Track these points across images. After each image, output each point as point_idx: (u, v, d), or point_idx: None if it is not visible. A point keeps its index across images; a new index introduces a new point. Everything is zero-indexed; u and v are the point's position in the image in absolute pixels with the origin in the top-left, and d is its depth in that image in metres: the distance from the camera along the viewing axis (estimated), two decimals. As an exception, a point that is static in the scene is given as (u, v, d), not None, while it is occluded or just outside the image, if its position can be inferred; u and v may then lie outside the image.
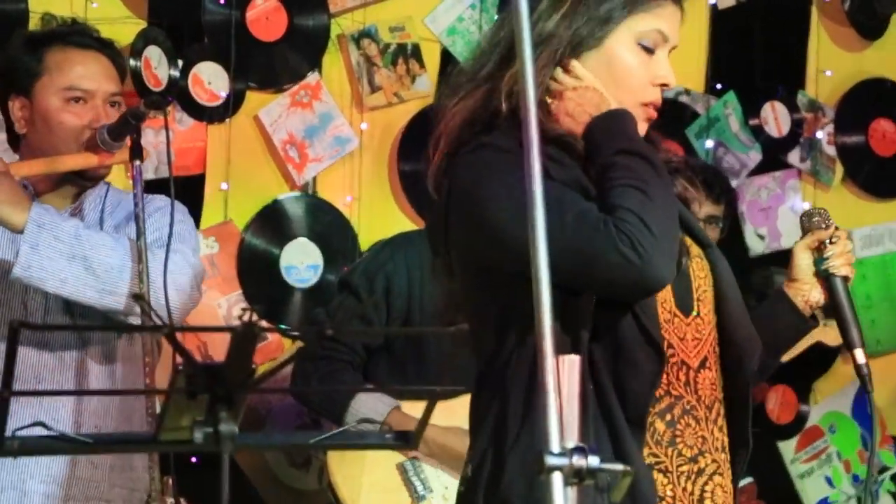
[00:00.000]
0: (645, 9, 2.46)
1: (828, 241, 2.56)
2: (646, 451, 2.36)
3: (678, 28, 2.50)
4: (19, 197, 3.02)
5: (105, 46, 3.27)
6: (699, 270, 2.47)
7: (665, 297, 2.40)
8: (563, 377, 1.81)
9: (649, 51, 2.46)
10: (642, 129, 2.46)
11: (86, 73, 3.21)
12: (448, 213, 2.42)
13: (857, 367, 2.53)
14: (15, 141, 3.29)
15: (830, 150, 5.32)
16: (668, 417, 2.39)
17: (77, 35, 3.26)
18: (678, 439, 2.39)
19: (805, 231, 2.58)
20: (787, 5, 5.28)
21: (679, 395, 2.40)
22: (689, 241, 2.48)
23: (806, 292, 2.58)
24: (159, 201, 3.22)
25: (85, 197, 3.26)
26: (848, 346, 2.54)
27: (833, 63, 5.33)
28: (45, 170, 3.20)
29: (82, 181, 3.25)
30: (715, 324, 2.48)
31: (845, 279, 2.56)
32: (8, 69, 3.28)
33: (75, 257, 2.99)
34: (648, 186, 2.30)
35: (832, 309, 2.55)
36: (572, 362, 1.87)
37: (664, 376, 2.37)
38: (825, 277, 2.56)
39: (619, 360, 2.32)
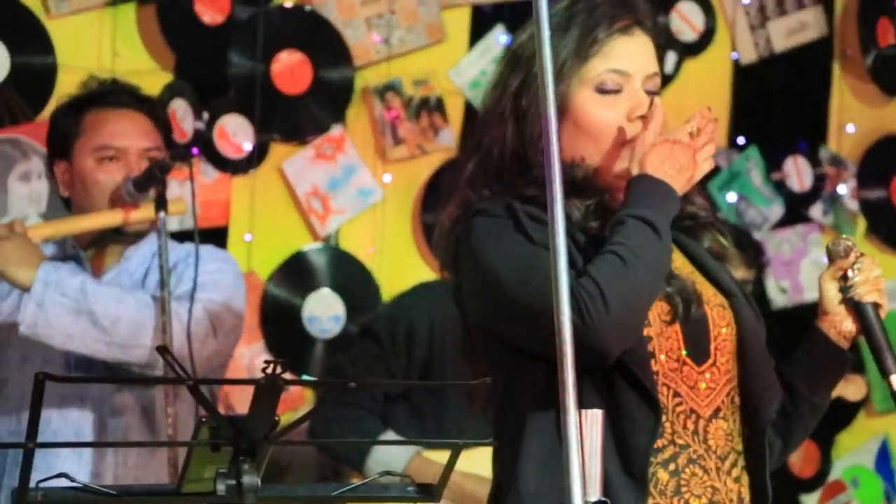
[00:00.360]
0: (594, 53, 2.40)
1: (852, 268, 2.48)
2: (650, 502, 2.35)
3: (645, 51, 2.43)
4: (28, 256, 3.05)
5: (142, 103, 3.30)
6: (720, 319, 2.45)
7: (671, 346, 2.39)
8: (585, 431, 1.82)
9: (615, 92, 2.42)
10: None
11: (118, 131, 3.24)
12: (460, 283, 2.44)
13: (894, 395, 2.44)
14: (67, 204, 3.35)
15: (853, 205, 5.32)
16: (672, 467, 2.37)
17: (113, 94, 3.30)
18: (684, 489, 2.38)
19: (830, 262, 2.51)
20: (810, 61, 5.30)
21: (685, 443, 2.38)
22: (711, 289, 2.47)
23: (838, 323, 2.49)
24: (205, 251, 3.23)
25: (132, 253, 3.28)
26: (883, 373, 2.45)
27: (855, 118, 5.34)
28: (67, 230, 3.23)
29: (123, 237, 3.27)
30: (736, 373, 2.46)
31: (875, 306, 2.47)
32: (52, 134, 3.34)
33: (81, 312, 3.01)
34: (635, 257, 2.29)
35: (864, 336, 2.48)
36: (594, 416, 1.88)
37: (668, 425, 2.36)
38: (854, 305, 2.48)
39: (616, 416, 2.31)
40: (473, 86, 4.85)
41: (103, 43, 4.33)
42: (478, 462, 3.16)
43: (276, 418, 1.84)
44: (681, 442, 2.38)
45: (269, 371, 1.74)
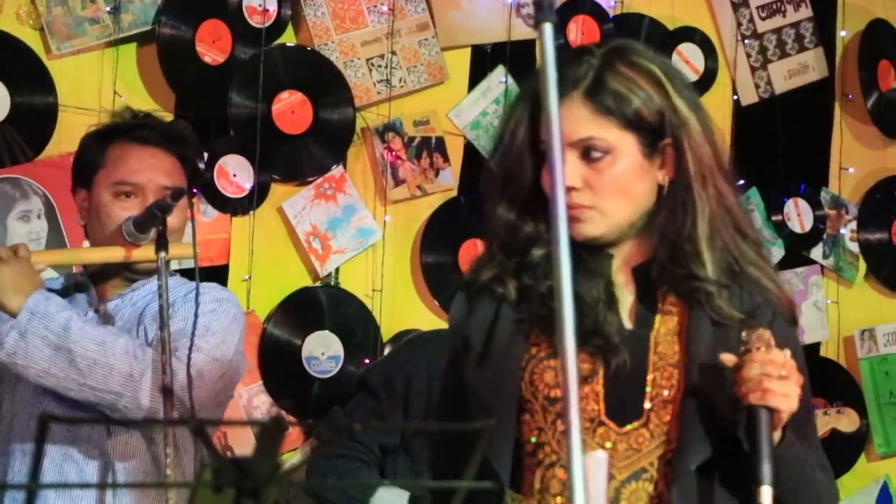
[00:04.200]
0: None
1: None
2: None
3: (572, 119, 2.34)
4: (22, 283, 3.04)
5: (169, 141, 3.28)
6: (665, 380, 2.35)
7: (584, 406, 2.32)
8: (589, 475, 1.80)
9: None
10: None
11: (137, 167, 3.23)
12: None
13: None
14: (86, 231, 3.35)
15: (853, 247, 5.32)
16: None
17: (140, 129, 3.28)
18: None
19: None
20: (810, 103, 5.31)
21: None
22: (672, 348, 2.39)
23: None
24: (204, 288, 3.19)
25: (139, 285, 3.27)
26: (754, 481, 2.22)
27: (856, 160, 5.35)
28: (68, 260, 3.23)
29: (130, 273, 3.26)
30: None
31: (769, 410, 2.23)
32: (77, 161, 3.33)
33: (60, 349, 3.00)
34: None
35: (746, 437, 2.26)
36: (599, 460, 1.87)
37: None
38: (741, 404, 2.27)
39: None
40: (474, 126, 4.85)
41: (104, 83, 4.34)
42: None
43: (280, 459, 1.82)
44: None
45: (273, 412, 1.72)
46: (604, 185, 2.36)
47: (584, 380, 2.34)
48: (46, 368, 2.98)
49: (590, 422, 2.34)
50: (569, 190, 2.32)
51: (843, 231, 5.30)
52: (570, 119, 2.33)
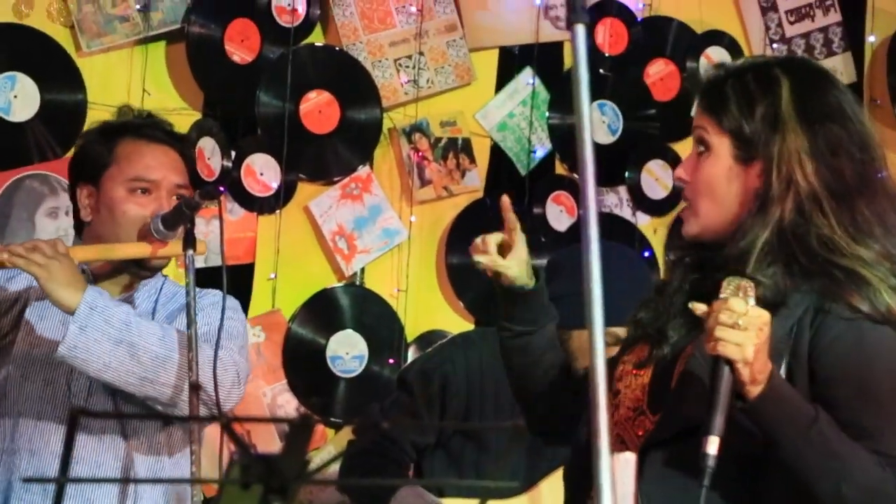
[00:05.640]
0: None
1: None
2: None
3: (695, 119, 2.49)
4: (76, 279, 3.05)
5: (175, 140, 3.31)
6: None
7: (633, 397, 2.41)
8: (618, 475, 1.80)
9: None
10: None
11: (153, 164, 3.24)
12: None
13: (702, 456, 2.20)
14: (79, 227, 3.33)
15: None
16: None
17: (149, 128, 3.30)
18: None
19: None
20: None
21: None
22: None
23: None
24: (213, 296, 3.23)
25: (140, 286, 3.28)
26: (704, 430, 2.21)
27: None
28: (100, 256, 3.23)
29: (140, 270, 3.27)
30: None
31: (728, 362, 2.22)
32: (81, 157, 3.33)
33: (122, 343, 3.00)
34: None
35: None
36: (627, 461, 1.87)
37: None
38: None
39: None
40: (500, 128, 4.85)
41: (133, 81, 4.35)
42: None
43: (307, 457, 1.83)
44: None
45: (302, 411, 1.73)
46: (698, 182, 2.46)
47: (637, 369, 2.41)
48: (108, 363, 2.99)
49: (633, 412, 2.40)
50: (682, 183, 2.47)
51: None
52: (695, 113, 2.48)
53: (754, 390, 2.24)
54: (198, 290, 3.26)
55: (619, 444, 2.37)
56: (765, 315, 2.23)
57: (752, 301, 2.24)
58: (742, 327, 2.21)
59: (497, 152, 4.85)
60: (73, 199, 3.31)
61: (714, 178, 2.44)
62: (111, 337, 2.99)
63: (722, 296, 2.24)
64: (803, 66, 2.52)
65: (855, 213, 2.39)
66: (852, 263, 2.36)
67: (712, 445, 2.19)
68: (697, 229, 2.47)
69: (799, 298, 2.35)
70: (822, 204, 2.38)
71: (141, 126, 3.30)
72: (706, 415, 2.21)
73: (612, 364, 2.46)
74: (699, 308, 2.27)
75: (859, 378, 2.32)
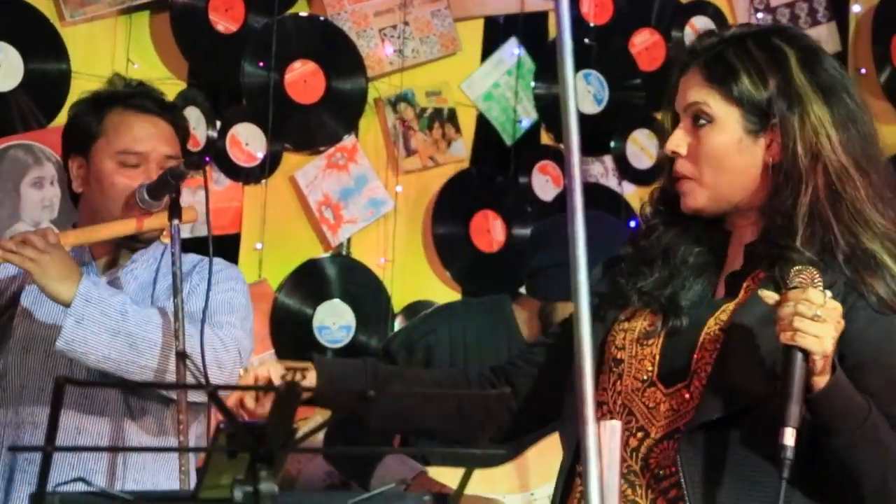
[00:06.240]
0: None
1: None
2: None
3: (688, 85, 2.44)
4: (69, 271, 3.02)
5: (166, 110, 3.28)
6: (710, 343, 2.37)
7: (641, 367, 2.40)
8: (604, 442, 1.81)
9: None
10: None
11: (141, 136, 3.22)
12: None
13: (781, 447, 2.18)
14: (75, 198, 3.33)
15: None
16: None
17: (138, 98, 3.27)
18: None
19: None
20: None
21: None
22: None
23: None
24: (216, 265, 3.20)
25: (139, 257, 3.27)
26: (782, 421, 2.19)
27: (868, 134, 5.34)
28: (89, 239, 3.21)
29: (133, 243, 3.26)
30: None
31: (799, 350, 2.20)
32: (71, 128, 3.31)
33: (119, 333, 2.99)
34: None
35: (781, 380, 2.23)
36: (613, 428, 1.88)
37: None
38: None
39: None
40: (486, 98, 4.85)
41: (117, 50, 4.34)
42: (499, 484, 3.14)
43: (294, 426, 1.83)
44: None
45: (289, 378, 1.73)
46: (701, 154, 2.42)
47: (643, 339, 2.41)
48: (107, 354, 2.98)
49: (641, 382, 2.39)
50: (674, 156, 2.43)
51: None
52: (686, 85, 2.43)
53: (821, 381, 2.23)
54: (200, 258, 3.25)
55: (625, 415, 2.38)
56: (839, 307, 2.23)
57: (827, 292, 2.22)
58: (821, 319, 2.19)
59: (483, 122, 4.84)
60: (66, 170, 3.30)
61: (722, 149, 2.41)
62: (108, 328, 2.98)
63: (792, 284, 2.22)
64: (800, 36, 2.49)
65: (873, 183, 2.39)
66: (874, 244, 2.36)
67: (790, 437, 2.18)
68: (704, 201, 2.43)
69: (830, 276, 2.32)
70: (852, 176, 2.37)
71: (130, 96, 3.28)
72: (781, 405, 2.18)
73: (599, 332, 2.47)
74: (770, 297, 2.25)
75: (890, 367, 2.31)
